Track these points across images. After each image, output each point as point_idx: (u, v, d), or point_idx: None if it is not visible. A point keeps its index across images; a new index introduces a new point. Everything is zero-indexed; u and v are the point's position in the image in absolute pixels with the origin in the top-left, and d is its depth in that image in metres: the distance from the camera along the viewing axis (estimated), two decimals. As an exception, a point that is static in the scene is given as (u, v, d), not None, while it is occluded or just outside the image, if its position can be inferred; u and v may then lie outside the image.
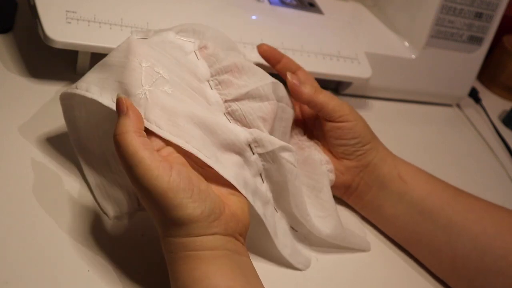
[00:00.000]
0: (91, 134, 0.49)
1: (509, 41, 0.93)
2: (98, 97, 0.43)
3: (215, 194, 0.41)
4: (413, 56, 0.76)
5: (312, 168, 0.54)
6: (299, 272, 0.49)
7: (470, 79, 0.83)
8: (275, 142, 0.47)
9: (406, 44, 0.76)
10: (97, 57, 0.57)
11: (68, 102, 0.48)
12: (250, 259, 0.42)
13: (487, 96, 0.92)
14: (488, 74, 0.95)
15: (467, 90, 0.84)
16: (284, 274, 0.49)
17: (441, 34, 0.75)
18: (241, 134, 0.46)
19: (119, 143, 0.38)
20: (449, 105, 0.86)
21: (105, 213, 0.47)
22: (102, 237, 0.45)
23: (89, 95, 0.44)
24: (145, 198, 0.39)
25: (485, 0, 0.75)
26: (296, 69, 0.56)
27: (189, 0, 0.63)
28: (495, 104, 0.92)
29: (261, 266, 0.47)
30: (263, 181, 0.48)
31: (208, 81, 0.47)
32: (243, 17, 0.65)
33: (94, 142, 0.49)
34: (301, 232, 0.52)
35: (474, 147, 0.79)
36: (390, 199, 0.54)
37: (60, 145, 0.51)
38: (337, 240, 0.52)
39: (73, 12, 0.54)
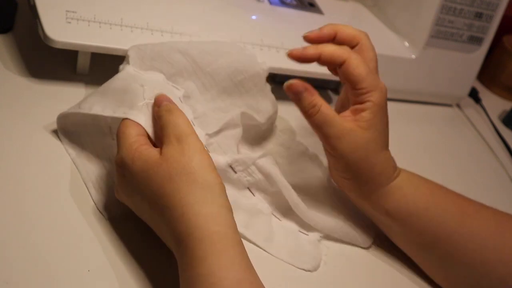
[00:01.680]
0: (87, 148, 0.51)
1: (509, 41, 0.93)
2: (101, 113, 0.47)
3: None
4: (413, 56, 0.76)
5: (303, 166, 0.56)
6: (307, 273, 0.49)
7: (470, 79, 0.83)
8: (252, 156, 0.51)
9: (406, 44, 0.76)
10: (97, 57, 0.57)
11: (63, 121, 0.50)
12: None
13: (487, 96, 0.92)
14: (488, 74, 0.95)
15: (467, 90, 0.84)
16: (292, 275, 0.49)
17: (441, 34, 0.75)
18: (220, 160, 0.50)
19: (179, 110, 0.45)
20: (449, 105, 0.86)
21: (101, 213, 0.47)
22: (102, 237, 0.45)
23: (93, 111, 0.47)
24: (179, 152, 0.41)
25: (485, 0, 0.75)
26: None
27: (189, 0, 0.63)
28: (495, 104, 0.92)
29: (267, 266, 0.47)
30: (253, 194, 0.51)
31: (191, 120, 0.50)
32: (243, 17, 0.65)
33: (91, 154, 0.51)
34: (312, 236, 0.52)
35: (474, 147, 0.79)
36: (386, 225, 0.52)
37: (59, 145, 0.51)
38: (337, 233, 0.52)
39: (73, 12, 0.54)
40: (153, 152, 0.42)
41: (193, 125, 0.48)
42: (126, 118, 0.45)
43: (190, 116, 0.49)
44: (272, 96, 0.58)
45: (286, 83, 0.48)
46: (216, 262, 0.37)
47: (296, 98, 0.48)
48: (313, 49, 0.48)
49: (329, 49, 0.48)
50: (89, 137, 0.51)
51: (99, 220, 0.46)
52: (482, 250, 0.49)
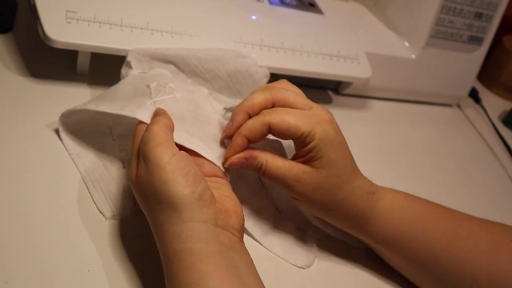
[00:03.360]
0: (87, 148, 0.51)
1: (509, 41, 0.93)
2: (108, 110, 0.47)
3: (208, 185, 0.41)
4: (413, 56, 0.76)
5: None
6: (300, 270, 0.49)
7: (470, 79, 0.83)
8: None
9: (406, 44, 0.76)
10: (97, 57, 0.57)
11: (65, 120, 0.50)
12: (248, 256, 0.41)
13: (487, 96, 0.92)
14: (488, 74, 0.95)
15: (467, 90, 0.84)
16: (286, 271, 0.49)
17: (441, 34, 0.76)
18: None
19: (151, 123, 0.43)
20: (449, 105, 0.86)
21: (101, 213, 0.47)
22: (102, 237, 0.45)
23: (100, 109, 0.47)
24: (145, 171, 0.41)
25: (485, 0, 0.75)
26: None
27: (189, 0, 0.63)
28: (495, 104, 0.92)
29: (262, 262, 0.47)
30: (262, 185, 0.52)
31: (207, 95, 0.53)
32: (243, 17, 0.65)
33: (91, 154, 0.51)
34: (310, 234, 0.53)
35: (474, 147, 0.79)
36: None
37: (58, 145, 0.51)
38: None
39: (73, 12, 0.54)
40: (134, 171, 0.42)
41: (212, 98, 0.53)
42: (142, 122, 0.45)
43: (205, 90, 0.52)
44: None
45: (226, 165, 0.46)
46: (183, 280, 0.38)
47: (243, 168, 0.46)
48: (240, 139, 0.45)
49: (249, 128, 0.45)
50: (89, 137, 0.51)
51: (99, 220, 0.46)
52: (473, 276, 0.47)
